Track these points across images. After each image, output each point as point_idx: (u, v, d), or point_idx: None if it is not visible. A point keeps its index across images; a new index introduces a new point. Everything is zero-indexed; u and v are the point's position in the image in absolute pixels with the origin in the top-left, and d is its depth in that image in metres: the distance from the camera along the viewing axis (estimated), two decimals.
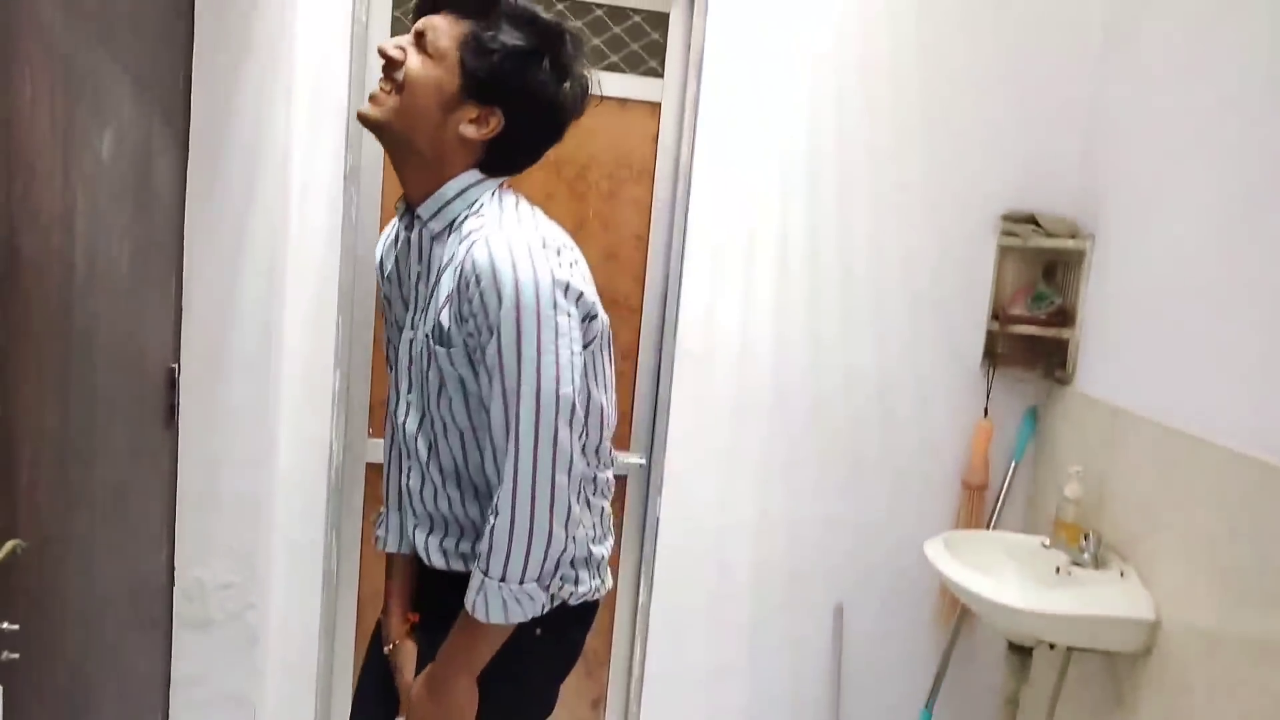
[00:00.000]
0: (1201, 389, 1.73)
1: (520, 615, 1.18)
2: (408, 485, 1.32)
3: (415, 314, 1.29)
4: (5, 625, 1.17)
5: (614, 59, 2.23)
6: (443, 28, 1.23)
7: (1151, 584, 1.80)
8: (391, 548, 1.40)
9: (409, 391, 1.30)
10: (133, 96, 1.51)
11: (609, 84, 2.22)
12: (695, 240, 2.22)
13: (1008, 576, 2.02)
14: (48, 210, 1.25)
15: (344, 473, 2.26)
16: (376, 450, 2.27)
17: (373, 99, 1.26)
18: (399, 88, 1.23)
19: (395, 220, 1.37)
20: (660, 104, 2.25)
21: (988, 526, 2.31)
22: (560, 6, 2.20)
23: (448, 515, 1.29)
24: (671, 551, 2.30)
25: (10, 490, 1.20)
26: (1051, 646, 1.98)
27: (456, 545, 1.29)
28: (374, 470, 2.30)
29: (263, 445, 1.97)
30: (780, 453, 2.31)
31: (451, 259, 1.22)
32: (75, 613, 1.44)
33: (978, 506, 2.32)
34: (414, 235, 1.29)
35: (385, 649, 1.39)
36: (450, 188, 1.26)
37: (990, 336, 2.32)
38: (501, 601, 1.17)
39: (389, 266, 1.38)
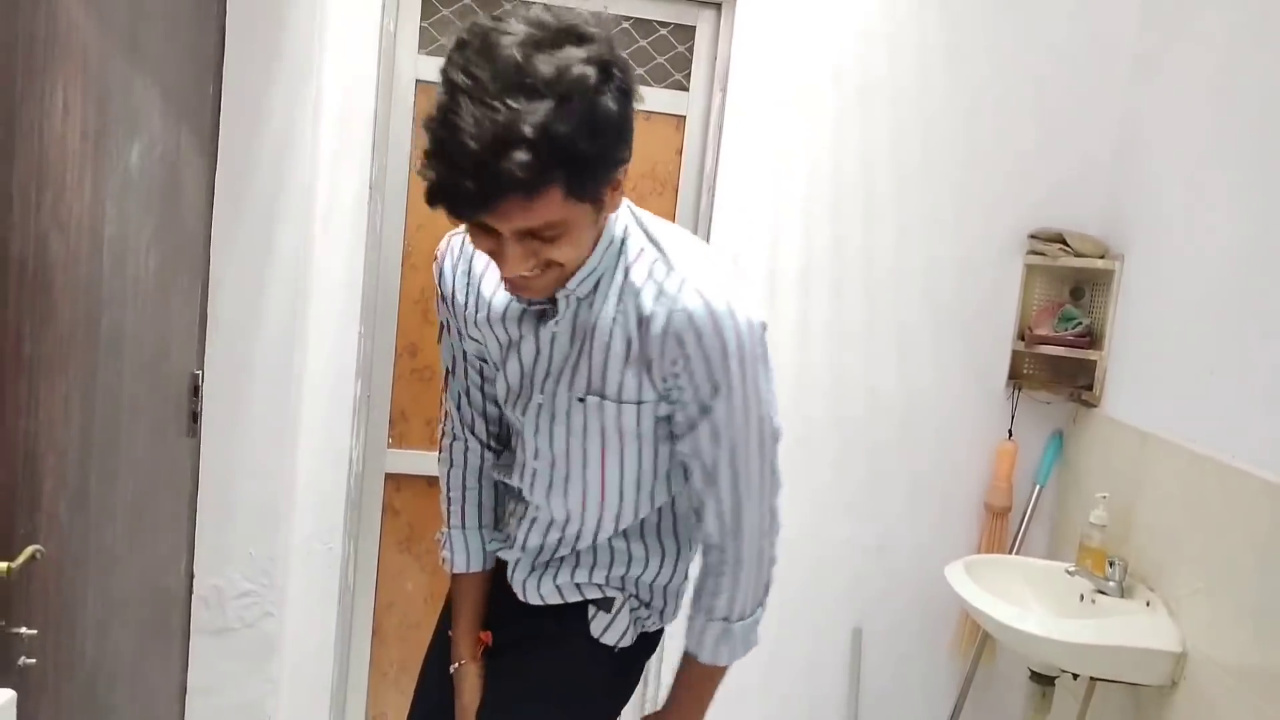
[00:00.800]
0: (1232, 414, 1.70)
1: (752, 644, 1.25)
2: (524, 537, 1.27)
3: (546, 379, 1.16)
4: (24, 630, 1.18)
5: (640, 71, 2.23)
6: (539, 211, 0.94)
7: (1178, 614, 1.76)
8: (460, 568, 1.34)
9: (535, 455, 1.21)
10: (162, 108, 1.53)
11: None
12: (719, 254, 2.21)
13: (1030, 603, 1.99)
14: (76, 219, 1.26)
15: (363, 483, 2.26)
16: (396, 461, 2.28)
17: (523, 289, 1.06)
18: (554, 266, 1.03)
19: (461, 252, 1.21)
20: (685, 117, 2.25)
21: (1011, 551, 2.28)
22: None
23: (571, 555, 1.25)
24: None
25: (33, 497, 1.21)
26: (1075, 676, 1.94)
27: (575, 576, 1.25)
28: (392, 481, 2.30)
29: (283, 454, 1.98)
30: (800, 473, 2.28)
31: (621, 315, 1.09)
32: (93, 619, 1.44)
33: (1001, 530, 2.29)
34: (544, 309, 1.15)
35: (451, 667, 1.34)
36: (597, 257, 1.09)
37: (1015, 357, 2.29)
38: (739, 639, 1.23)
39: (470, 309, 1.21)
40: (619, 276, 1.10)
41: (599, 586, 1.26)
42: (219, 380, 1.86)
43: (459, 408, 1.31)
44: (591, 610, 1.27)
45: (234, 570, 1.95)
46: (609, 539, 1.25)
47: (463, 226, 1.03)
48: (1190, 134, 1.95)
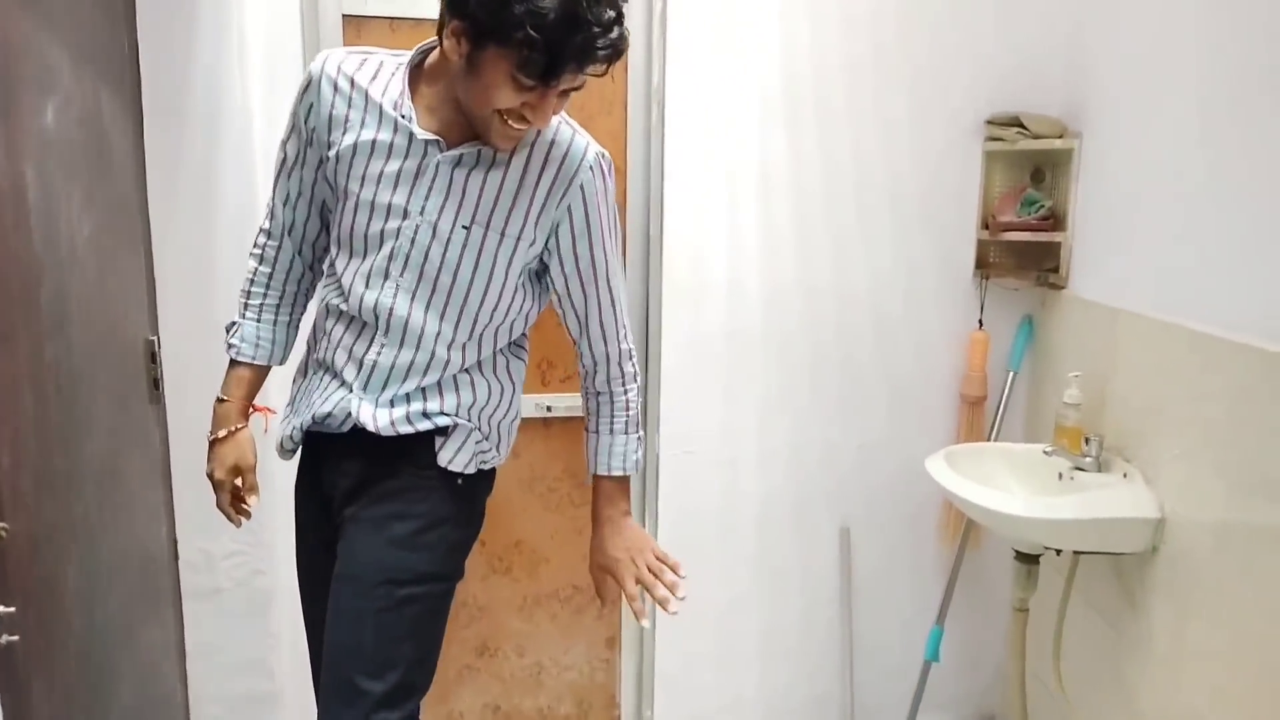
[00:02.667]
0: (1198, 282, 1.70)
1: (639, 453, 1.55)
2: (374, 360, 1.36)
3: (428, 204, 1.32)
4: (1, 608, 1.17)
5: None
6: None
7: (1156, 482, 1.79)
8: (248, 356, 1.47)
9: (403, 273, 1.34)
10: (73, 66, 1.46)
11: None
12: (674, 169, 2.17)
13: (1011, 486, 2.01)
14: None
15: None
16: None
17: (512, 138, 1.29)
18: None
19: (352, 86, 1.34)
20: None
21: (989, 438, 2.30)
22: None
23: (433, 380, 1.38)
24: (673, 488, 2.29)
25: None
26: (1058, 553, 1.98)
27: (421, 412, 1.38)
28: None
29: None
30: (776, 380, 2.29)
31: (531, 153, 1.33)
32: (76, 592, 1.44)
33: (978, 419, 2.31)
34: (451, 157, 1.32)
35: (221, 432, 1.46)
36: None
37: (981, 246, 2.28)
38: (635, 447, 1.54)
39: (350, 139, 1.34)
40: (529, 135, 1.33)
41: (447, 415, 1.39)
42: (176, 343, 1.83)
43: (282, 214, 1.44)
44: (438, 441, 1.40)
45: (219, 531, 1.94)
46: (454, 375, 1.39)
47: (337, 54, 1.36)
48: (1143, 6, 1.90)
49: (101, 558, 1.55)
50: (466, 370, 1.41)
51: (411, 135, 1.31)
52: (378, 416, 1.36)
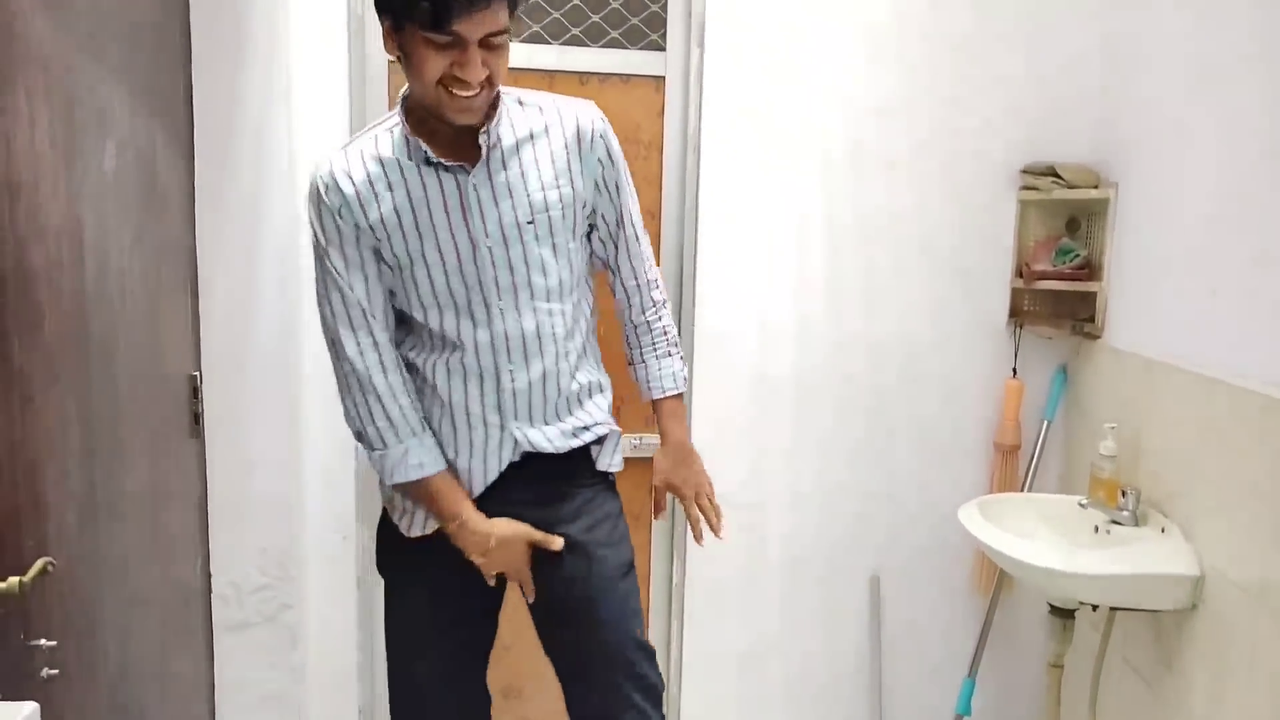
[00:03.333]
0: (1236, 336, 1.69)
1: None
2: (515, 388, 1.45)
3: (486, 222, 1.40)
4: (43, 642, 1.19)
5: (614, 34, 2.19)
6: (497, 16, 1.27)
7: (1194, 538, 1.76)
8: (433, 469, 1.47)
9: (502, 297, 1.42)
10: (131, 108, 1.51)
11: (611, 60, 2.19)
12: (708, 214, 2.19)
13: (1045, 538, 1.99)
14: (54, 226, 1.25)
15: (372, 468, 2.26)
16: None
17: (465, 108, 1.33)
18: (491, 83, 1.33)
19: (360, 171, 1.40)
20: (664, 78, 2.21)
21: (1022, 488, 2.28)
22: None
23: (569, 390, 1.50)
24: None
25: (39, 508, 1.21)
26: (1094, 608, 1.94)
27: (582, 427, 1.53)
28: None
29: (289, 445, 1.98)
30: (808, 425, 2.28)
31: (527, 138, 1.42)
32: (113, 625, 1.45)
33: (1011, 468, 2.29)
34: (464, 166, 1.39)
35: (490, 536, 1.46)
36: (502, 105, 1.42)
37: (1015, 294, 2.28)
38: (681, 364, 1.64)
39: (389, 209, 1.39)
40: (524, 118, 1.43)
41: (602, 424, 1.54)
42: (217, 379, 1.86)
43: (379, 316, 1.44)
44: (594, 450, 1.54)
45: (249, 565, 1.96)
46: (571, 378, 1.50)
47: (323, 161, 1.41)
48: (1178, 55, 1.91)
49: (138, 591, 1.56)
50: (583, 364, 1.53)
51: (437, 167, 1.38)
52: (548, 436, 1.49)
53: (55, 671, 1.20)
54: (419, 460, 1.45)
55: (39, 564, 1.15)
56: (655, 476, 1.65)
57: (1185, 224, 1.86)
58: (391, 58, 1.40)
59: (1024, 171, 2.22)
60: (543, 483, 1.51)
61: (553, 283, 1.45)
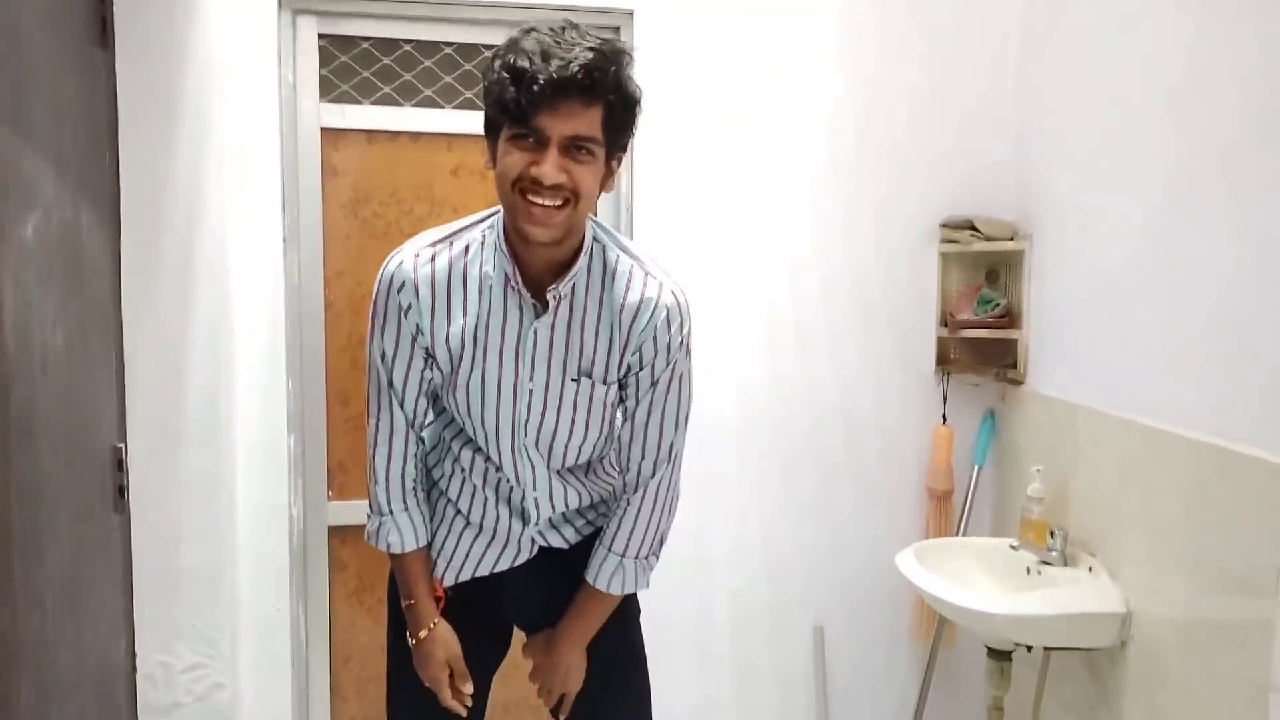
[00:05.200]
0: (1152, 379, 1.76)
1: (643, 585, 1.52)
2: (539, 510, 1.47)
3: (536, 367, 1.36)
4: None
5: None
6: (586, 121, 1.21)
7: (1120, 577, 1.81)
8: (410, 546, 1.47)
9: (528, 435, 1.40)
10: (55, 179, 1.49)
11: None
12: None
13: (980, 582, 2.02)
14: None
15: (306, 539, 2.22)
16: (339, 513, 2.24)
17: (540, 221, 1.24)
18: (572, 200, 1.24)
19: (435, 276, 1.34)
20: None
21: (957, 532, 2.32)
22: (487, 54, 2.21)
23: (581, 507, 1.51)
24: (650, 588, 2.27)
25: None
26: (1029, 649, 1.98)
27: (582, 523, 1.54)
28: (337, 534, 2.26)
29: (220, 518, 1.93)
30: (750, 479, 2.31)
31: (608, 309, 1.35)
32: (28, 710, 1.39)
33: (945, 513, 2.33)
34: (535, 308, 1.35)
35: (421, 633, 1.46)
36: (584, 257, 1.34)
37: (941, 343, 2.35)
38: (630, 575, 1.48)
39: (455, 324, 1.35)
40: (601, 277, 1.35)
41: (601, 514, 1.54)
42: (144, 450, 1.81)
43: (407, 407, 1.42)
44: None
45: (179, 643, 1.89)
46: (592, 495, 1.50)
47: (409, 252, 1.34)
48: (1086, 109, 2.02)
49: (58, 673, 1.50)
50: (605, 478, 1.51)
51: (519, 303, 1.33)
52: (565, 536, 1.51)
53: None
54: (397, 537, 1.46)
55: None
56: (525, 656, 1.57)
57: (1099, 271, 1.95)
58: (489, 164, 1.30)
59: (943, 225, 2.31)
60: (554, 575, 1.52)
61: (578, 439, 1.42)
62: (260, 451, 2.10)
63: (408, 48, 2.18)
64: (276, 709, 2.14)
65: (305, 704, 2.23)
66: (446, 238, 1.37)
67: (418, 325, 1.35)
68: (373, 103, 2.18)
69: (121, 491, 1.78)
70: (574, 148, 1.21)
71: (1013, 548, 2.02)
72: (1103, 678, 1.86)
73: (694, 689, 2.32)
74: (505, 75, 1.19)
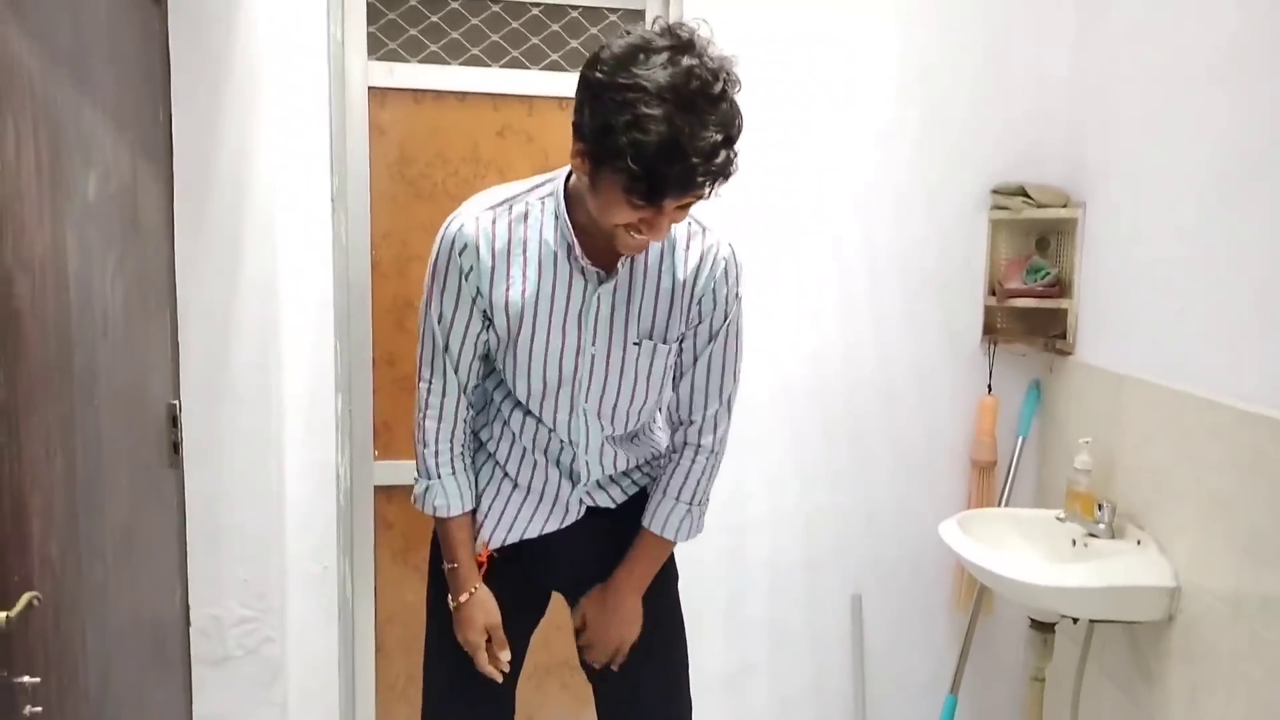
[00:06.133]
0: (1206, 350, 1.73)
1: (700, 529, 1.56)
2: (589, 469, 1.49)
3: (598, 331, 1.39)
4: (26, 679, 1.16)
5: None
6: (705, 193, 1.25)
7: (1169, 550, 1.80)
8: (456, 511, 1.49)
9: (588, 400, 1.42)
10: (114, 135, 1.50)
11: None
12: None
13: (1025, 553, 2.02)
14: (40, 257, 1.23)
15: (353, 498, 2.24)
16: (384, 473, 2.27)
17: (636, 250, 1.30)
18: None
19: (498, 238, 1.35)
20: None
21: (999, 504, 2.31)
22: (536, 12, 2.19)
23: (629, 467, 1.54)
24: (686, 551, 2.28)
25: (23, 542, 1.18)
26: (1074, 621, 1.97)
27: (628, 483, 1.57)
28: (383, 493, 2.28)
29: (269, 477, 1.95)
30: (788, 446, 2.30)
31: (669, 270, 1.38)
32: (94, 660, 1.42)
33: (988, 484, 2.32)
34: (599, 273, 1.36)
35: (463, 596, 1.49)
36: None
37: (988, 312, 2.32)
38: (695, 521, 1.54)
39: (514, 288, 1.36)
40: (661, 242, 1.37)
41: (645, 474, 1.57)
42: (197, 408, 1.84)
43: (461, 371, 1.43)
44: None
45: (230, 598, 1.93)
46: (639, 456, 1.54)
47: (469, 214, 1.35)
48: (1142, 75, 1.98)
49: (119, 625, 1.53)
50: (655, 437, 1.55)
51: (582, 270, 1.35)
52: (612, 495, 1.54)
53: (39, 709, 1.18)
54: (444, 500, 1.48)
55: (25, 599, 1.13)
56: (576, 616, 1.59)
57: (1152, 241, 1.92)
58: (581, 173, 1.28)
59: (994, 192, 2.27)
60: (600, 535, 1.54)
61: (639, 403, 1.45)
62: (308, 411, 2.11)
63: (455, 4, 2.16)
64: (323, 664, 2.18)
65: (351, 659, 2.27)
66: (504, 202, 1.37)
67: (478, 288, 1.36)
68: (419, 61, 2.16)
69: (176, 448, 1.80)
70: (682, 208, 1.25)
71: (1059, 519, 2.01)
72: (1146, 651, 1.85)
73: (730, 652, 2.34)
74: (633, 165, 1.14)
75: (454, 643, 1.52)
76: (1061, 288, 2.22)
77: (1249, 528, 1.57)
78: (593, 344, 1.38)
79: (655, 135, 1.13)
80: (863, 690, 2.36)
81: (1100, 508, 1.93)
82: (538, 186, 1.39)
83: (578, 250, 1.33)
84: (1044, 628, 2.02)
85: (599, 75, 1.17)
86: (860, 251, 2.27)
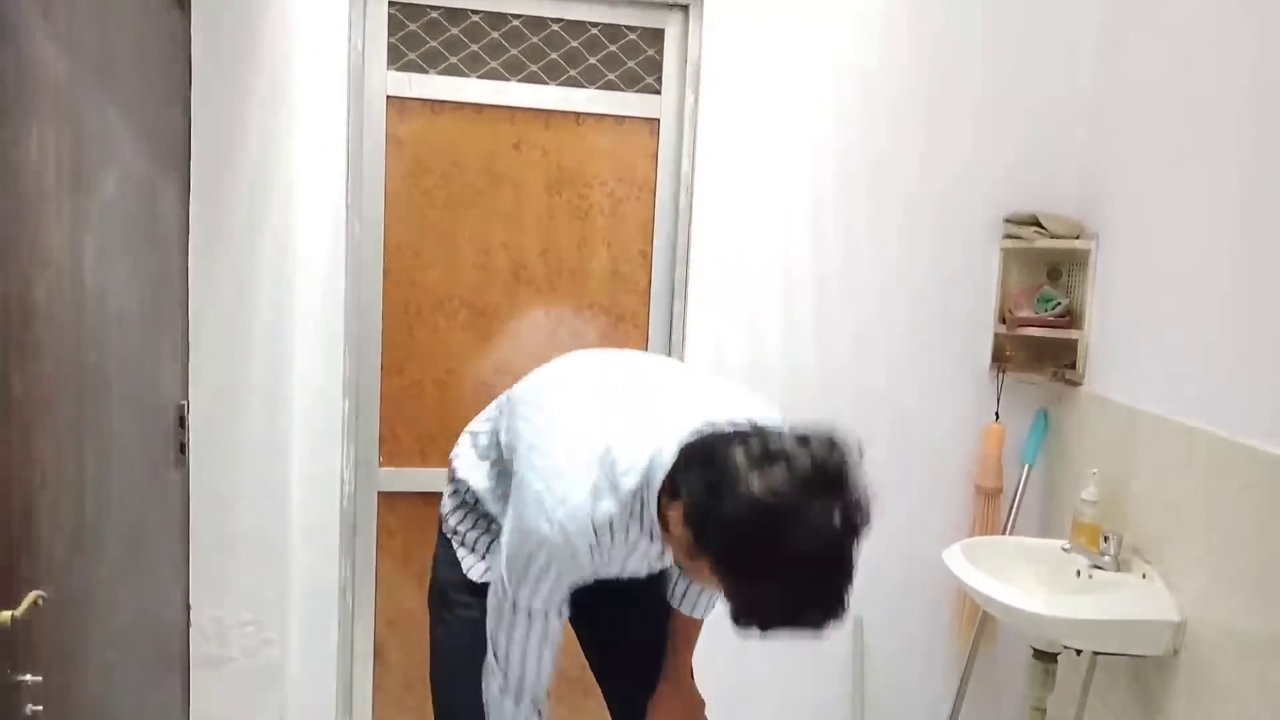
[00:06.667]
0: (1218, 386, 1.73)
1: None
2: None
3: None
4: (29, 677, 1.16)
5: (611, 77, 2.23)
6: None
7: (1175, 585, 1.79)
8: None
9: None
10: (134, 139, 1.51)
11: (607, 102, 2.23)
12: (699, 255, 2.22)
13: (1029, 582, 2.00)
14: (58, 257, 1.24)
15: (357, 503, 2.25)
16: (389, 480, 2.27)
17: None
18: None
19: (616, 536, 1.31)
20: (659, 120, 2.25)
21: (1004, 532, 2.30)
22: (555, 27, 2.21)
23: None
24: None
25: (31, 539, 1.19)
26: (1078, 652, 1.96)
27: None
28: (386, 500, 2.28)
29: (274, 480, 1.96)
30: None
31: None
32: (95, 660, 1.43)
33: (993, 512, 2.31)
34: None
35: None
36: None
37: (998, 340, 2.32)
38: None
39: (617, 565, 1.36)
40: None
41: None
42: (205, 409, 1.84)
43: (551, 626, 1.36)
44: None
45: (232, 600, 1.93)
46: None
47: (603, 513, 1.27)
48: (1159, 109, 1.98)
49: (121, 625, 1.54)
50: None
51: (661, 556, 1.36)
52: None
53: (40, 708, 1.18)
54: None
55: (30, 597, 1.13)
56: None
57: (1165, 276, 1.91)
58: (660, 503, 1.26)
59: (1007, 220, 2.27)
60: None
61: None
62: (315, 416, 2.12)
63: (475, 18, 2.18)
64: (322, 667, 2.18)
65: (350, 663, 2.27)
66: (608, 488, 1.29)
67: (598, 565, 1.32)
68: (439, 72, 2.18)
69: (183, 449, 1.81)
70: None
71: (1064, 550, 2.00)
72: (1150, 685, 1.84)
73: (731, 674, 2.32)
74: (752, 618, 1.14)
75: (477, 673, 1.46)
76: (1072, 318, 2.22)
77: (1260, 566, 1.56)
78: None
79: (790, 614, 1.14)
80: (862, 715, 2.35)
81: (1106, 539, 1.92)
82: (632, 489, 1.28)
83: (655, 534, 1.31)
84: (1046, 658, 2.01)
85: (751, 530, 1.11)
86: (871, 277, 2.27)
